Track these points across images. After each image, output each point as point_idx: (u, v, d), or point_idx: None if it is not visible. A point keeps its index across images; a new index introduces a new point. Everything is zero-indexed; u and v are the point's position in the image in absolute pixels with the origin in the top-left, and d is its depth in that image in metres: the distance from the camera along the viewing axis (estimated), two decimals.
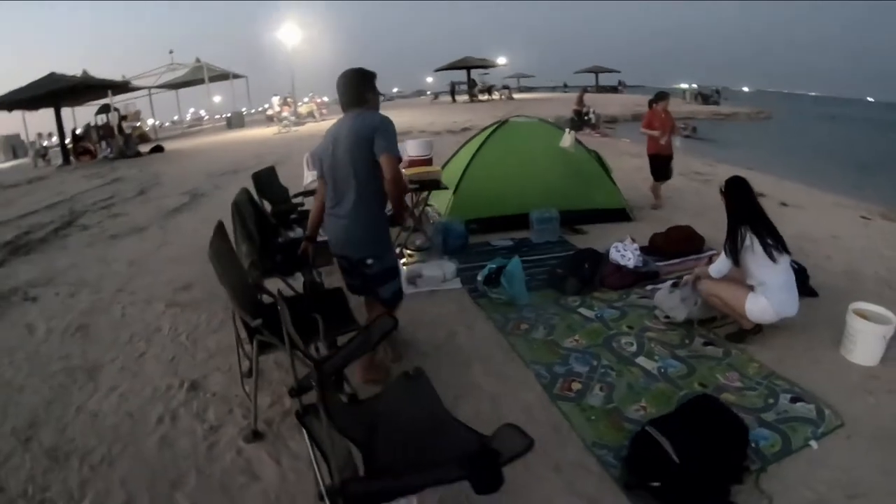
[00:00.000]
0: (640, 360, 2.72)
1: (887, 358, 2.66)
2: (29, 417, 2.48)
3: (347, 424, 1.37)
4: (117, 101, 19.82)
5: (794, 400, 2.34)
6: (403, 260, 4.23)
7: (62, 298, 4.00)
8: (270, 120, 21.82)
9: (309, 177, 5.25)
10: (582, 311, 3.24)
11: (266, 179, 4.40)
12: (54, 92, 14.08)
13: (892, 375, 2.58)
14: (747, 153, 12.41)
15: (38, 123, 16.56)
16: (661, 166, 5.76)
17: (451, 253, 4.30)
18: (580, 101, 14.39)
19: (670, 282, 3.17)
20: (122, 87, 18.48)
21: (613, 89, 36.09)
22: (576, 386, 2.50)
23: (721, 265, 2.82)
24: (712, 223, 4.63)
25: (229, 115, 24.71)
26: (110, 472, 2.07)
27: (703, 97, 27.82)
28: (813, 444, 2.09)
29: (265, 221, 3.59)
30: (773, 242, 2.66)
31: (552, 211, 4.72)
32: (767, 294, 2.68)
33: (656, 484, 1.81)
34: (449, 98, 29.77)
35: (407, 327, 3.01)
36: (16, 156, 22.33)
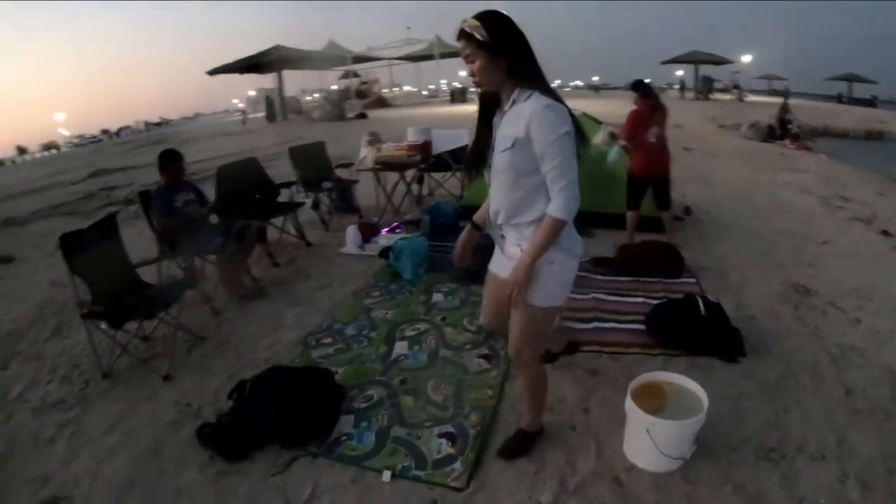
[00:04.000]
0: (399, 344, 3.00)
1: (686, 476, 1.92)
2: None
3: (87, 269, 2.79)
4: (363, 68, 24.61)
5: (443, 435, 2.23)
6: (386, 229, 5.09)
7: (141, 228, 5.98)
8: None
9: (363, 152, 6.55)
10: (437, 295, 3.65)
11: (304, 153, 5.84)
12: (276, 60, 18.80)
13: (647, 494, 1.86)
14: None
15: (295, 81, 21.85)
16: (635, 189, 4.48)
17: (438, 231, 4.94)
18: (785, 109, 13.41)
19: None
20: (342, 59, 22.97)
21: (868, 103, 28.38)
22: (326, 340, 3.07)
23: None
24: (773, 264, 4.07)
25: (453, 89, 28.04)
26: None
27: None
28: (386, 474, 2.04)
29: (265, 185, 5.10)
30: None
31: None
32: None
33: (227, 418, 2.33)
34: (678, 94, 29.57)
35: (310, 277, 4.19)
36: None
